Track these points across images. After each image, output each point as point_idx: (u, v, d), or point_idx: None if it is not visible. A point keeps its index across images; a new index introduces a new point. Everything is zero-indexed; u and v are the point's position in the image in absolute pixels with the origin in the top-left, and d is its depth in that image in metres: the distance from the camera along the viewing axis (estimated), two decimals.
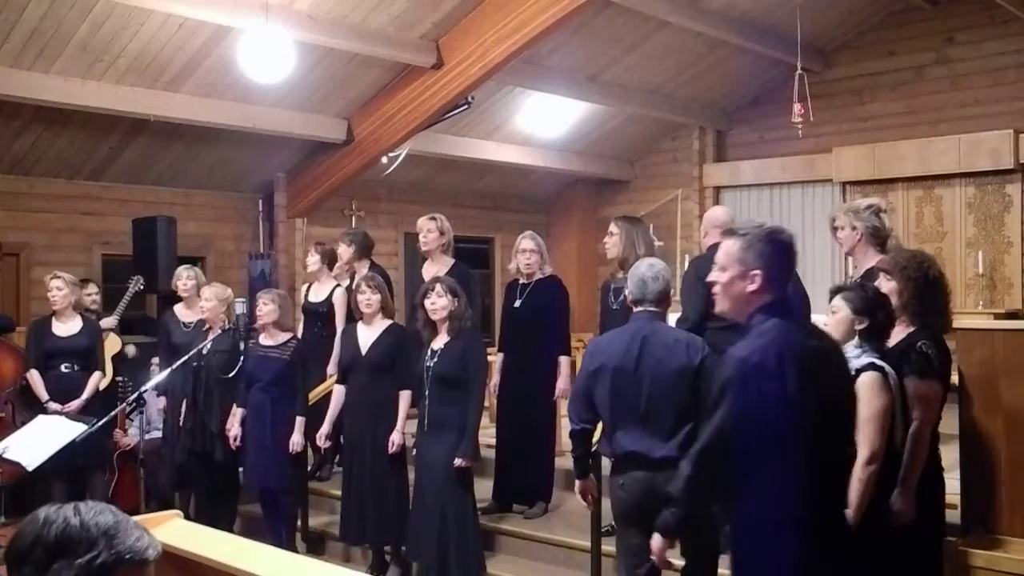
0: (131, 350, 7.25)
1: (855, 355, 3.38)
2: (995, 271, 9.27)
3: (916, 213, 9.65)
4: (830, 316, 3.50)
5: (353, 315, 6.02)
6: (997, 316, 8.01)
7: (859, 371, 3.34)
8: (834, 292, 3.56)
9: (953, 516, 3.94)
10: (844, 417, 2.83)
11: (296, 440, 5.64)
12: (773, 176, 10.65)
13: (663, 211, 11.10)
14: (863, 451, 3.24)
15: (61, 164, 8.27)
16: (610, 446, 3.93)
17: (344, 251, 6.51)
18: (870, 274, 4.01)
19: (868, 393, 3.29)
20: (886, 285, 3.64)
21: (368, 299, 5.39)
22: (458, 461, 4.87)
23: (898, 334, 3.62)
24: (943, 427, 3.74)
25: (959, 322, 4.17)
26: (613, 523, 4.14)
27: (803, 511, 2.64)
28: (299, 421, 5.67)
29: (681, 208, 11.10)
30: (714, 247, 5.44)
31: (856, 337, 3.43)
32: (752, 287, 2.73)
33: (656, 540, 2.93)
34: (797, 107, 8.21)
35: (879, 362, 3.36)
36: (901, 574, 3.44)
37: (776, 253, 2.76)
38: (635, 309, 3.96)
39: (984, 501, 3.96)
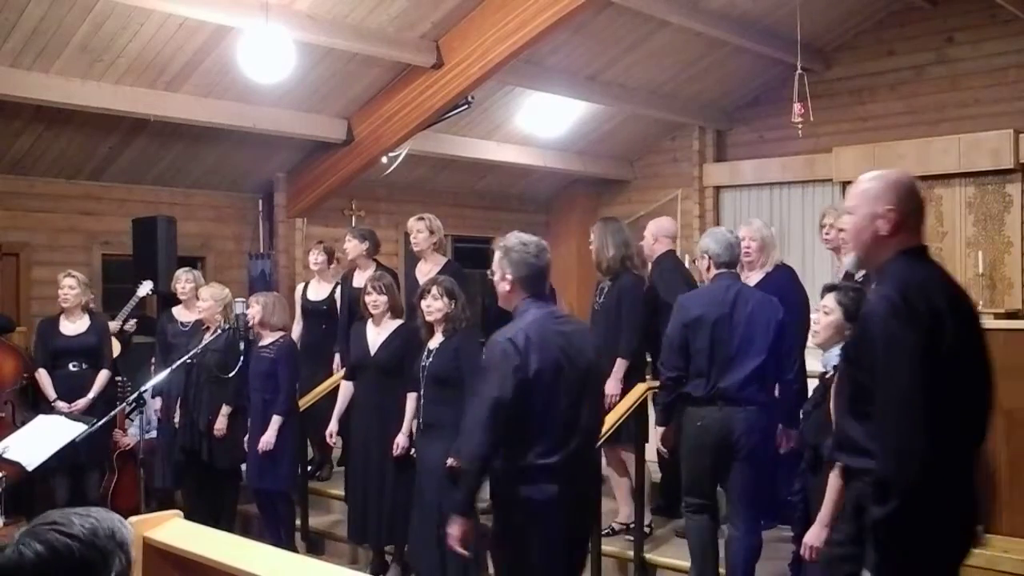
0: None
1: (838, 353, 3.36)
2: (995, 271, 9.27)
3: None
4: (821, 315, 3.47)
5: (352, 313, 6.02)
6: (997, 316, 8.00)
7: (836, 367, 3.34)
8: (828, 290, 3.53)
9: None
10: (591, 380, 3.55)
11: (266, 439, 5.60)
12: (773, 176, 10.65)
13: (663, 211, 11.04)
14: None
15: (61, 164, 8.27)
16: (702, 388, 4.42)
17: (356, 247, 6.48)
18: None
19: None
20: None
21: (375, 300, 5.38)
22: (451, 461, 4.87)
23: None
24: None
25: None
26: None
27: (552, 459, 3.37)
28: (275, 420, 5.62)
29: (681, 208, 11.10)
30: (665, 254, 5.60)
31: (843, 342, 3.40)
32: (507, 287, 3.54)
33: (454, 526, 3.48)
34: (797, 107, 8.20)
35: None
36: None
37: (522, 261, 3.51)
38: (717, 271, 4.58)
39: (984, 501, 3.96)
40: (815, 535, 3.30)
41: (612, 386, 5.24)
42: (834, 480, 3.26)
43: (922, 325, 2.35)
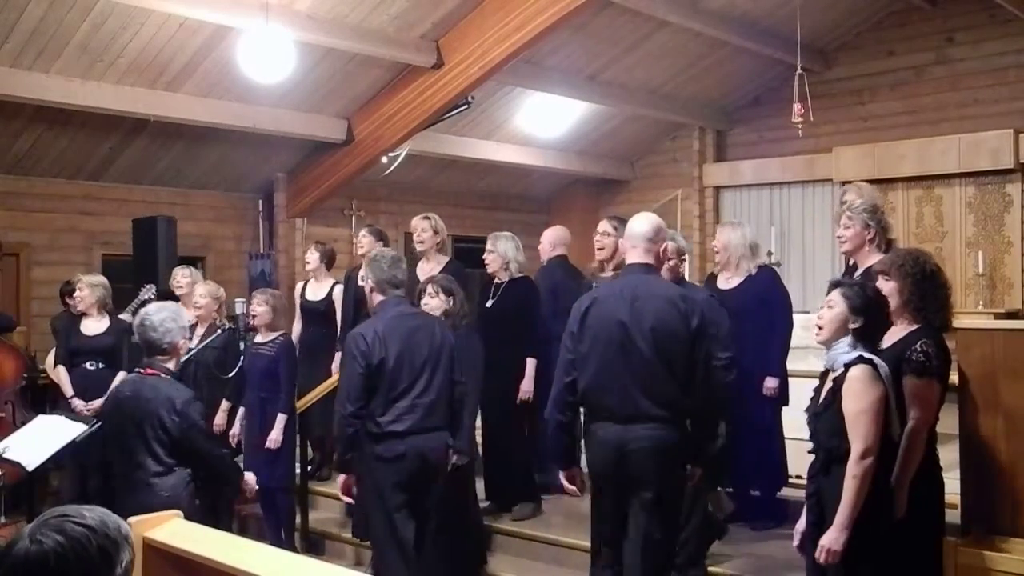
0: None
1: (845, 350, 3.32)
2: (995, 271, 9.27)
3: (916, 213, 9.65)
4: (824, 310, 3.43)
5: (358, 310, 6.02)
6: (997, 316, 8.00)
7: (848, 365, 3.28)
8: (833, 286, 3.50)
9: (953, 516, 3.92)
10: (438, 360, 4.33)
11: (273, 438, 5.60)
12: (773, 176, 10.66)
13: (663, 211, 11.04)
14: (856, 446, 3.18)
15: (61, 164, 8.27)
16: None
17: (372, 243, 6.46)
18: (868, 274, 3.99)
19: (858, 386, 3.21)
20: (885, 286, 3.61)
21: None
22: (453, 458, 4.86)
23: (898, 333, 3.59)
24: (943, 427, 3.72)
25: (959, 322, 4.16)
26: None
27: (399, 426, 4.23)
28: (280, 419, 5.62)
29: (681, 208, 11.10)
30: (555, 259, 6.19)
31: (849, 336, 3.37)
32: (367, 290, 4.43)
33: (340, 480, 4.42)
34: (797, 107, 8.20)
35: (868, 355, 3.28)
36: (900, 573, 3.43)
37: (377, 269, 4.37)
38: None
39: (984, 501, 3.95)
40: (834, 539, 3.24)
41: None
42: (852, 482, 3.19)
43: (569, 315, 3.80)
